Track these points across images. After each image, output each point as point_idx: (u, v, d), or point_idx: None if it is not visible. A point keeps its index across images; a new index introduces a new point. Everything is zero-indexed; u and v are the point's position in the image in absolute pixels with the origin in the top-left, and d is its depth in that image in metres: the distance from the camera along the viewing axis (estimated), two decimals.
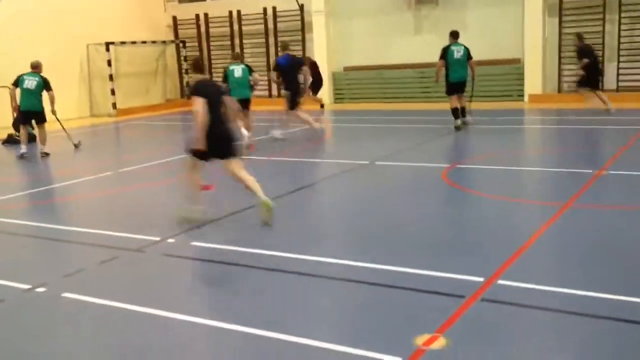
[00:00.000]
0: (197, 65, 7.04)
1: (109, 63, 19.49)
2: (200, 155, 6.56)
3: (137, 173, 10.13)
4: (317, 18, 19.71)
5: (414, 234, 6.21)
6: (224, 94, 6.91)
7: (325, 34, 19.69)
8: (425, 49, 18.14)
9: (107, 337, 4.25)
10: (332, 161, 10.61)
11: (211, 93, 6.60)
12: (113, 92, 19.60)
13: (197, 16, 21.79)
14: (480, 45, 17.57)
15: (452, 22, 16.79)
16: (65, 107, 14.97)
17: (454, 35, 12.83)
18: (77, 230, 6.79)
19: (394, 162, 9.90)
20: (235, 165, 6.70)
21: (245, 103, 11.46)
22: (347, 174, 9.24)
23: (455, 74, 12.61)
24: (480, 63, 17.62)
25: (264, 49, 21.03)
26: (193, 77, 7.18)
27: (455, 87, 12.70)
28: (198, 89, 6.55)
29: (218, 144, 6.53)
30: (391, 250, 5.64)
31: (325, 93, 19.07)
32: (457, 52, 12.62)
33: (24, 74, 11.93)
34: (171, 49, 22.31)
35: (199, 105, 6.37)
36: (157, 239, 6.24)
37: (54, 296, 4.91)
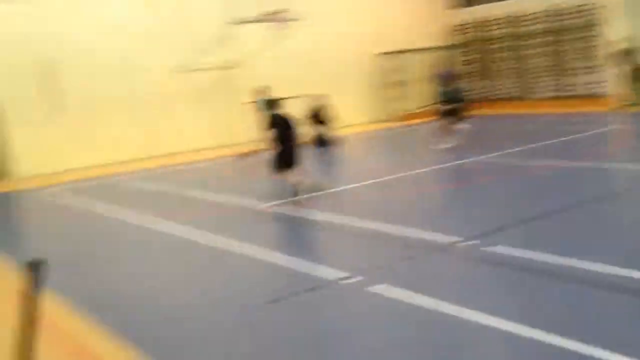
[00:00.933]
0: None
1: (393, 70, 20.44)
2: None
3: (428, 175, 10.45)
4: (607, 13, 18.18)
5: None
6: None
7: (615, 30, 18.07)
8: None
9: (413, 330, 4.48)
10: (629, 167, 9.70)
11: None
12: (398, 98, 20.56)
13: (478, 20, 21.69)
14: None
15: None
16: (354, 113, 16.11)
17: None
18: (378, 225, 7.25)
19: None
20: None
21: None
22: None
23: None
24: None
25: (547, 48, 20.09)
26: None
27: None
28: None
29: None
30: None
31: (617, 91, 17.50)
32: None
33: None
34: (451, 54, 22.54)
35: None
36: (460, 239, 6.37)
37: (363, 286, 5.32)
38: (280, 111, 9.25)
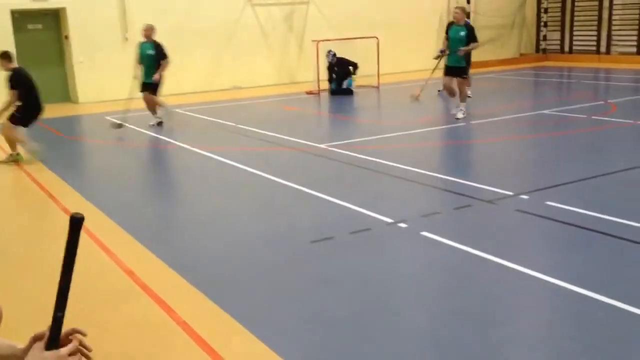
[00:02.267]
0: None
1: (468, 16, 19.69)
2: None
3: (490, 125, 10.19)
4: None
5: None
6: None
7: None
8: None
9: (454, 277, 4.48)
10: None
11: None
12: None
13: None
14: None
15: None
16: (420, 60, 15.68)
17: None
18: (431, 174, 7.17)
19: None
20: None
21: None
22: None
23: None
24: None
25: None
26: None
27: None
28: None
29: None
30: None
31: None
32: None
33: None
34: (531, 1, 21.52)
35: None
36: (511, 193, 6.24)
37: (413, 232, 5.32)
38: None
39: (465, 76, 10.73)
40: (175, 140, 10.00)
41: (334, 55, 15.06)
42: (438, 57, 11.99)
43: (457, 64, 10.55)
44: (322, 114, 13.26)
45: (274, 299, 4.26)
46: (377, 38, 15.74)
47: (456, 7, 11.40)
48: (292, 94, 15.28)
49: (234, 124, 11.17)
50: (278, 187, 7.02)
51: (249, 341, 3.64)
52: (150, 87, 11.05)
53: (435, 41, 19.94)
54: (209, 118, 12.10)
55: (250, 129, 10.69)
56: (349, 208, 6.04)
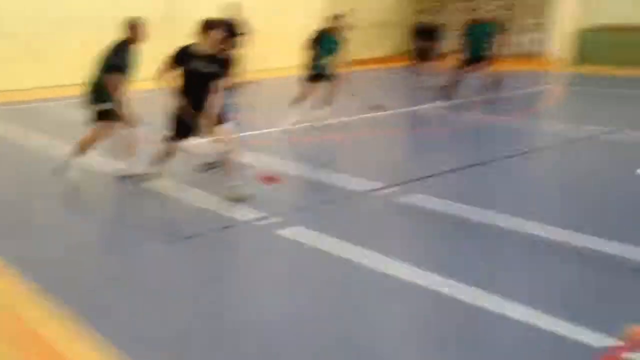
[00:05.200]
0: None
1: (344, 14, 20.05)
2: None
3: (359, 121, 10.47)
4: None
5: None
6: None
7: None
8: None
9: (323, 274, 4.57)
10: (556, 128, 9.94)
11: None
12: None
13: None
14: None
15: None
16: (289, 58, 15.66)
17: None
18: (300, 170, 7.28)
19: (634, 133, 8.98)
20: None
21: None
22: (574, 142, 8.61)
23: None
24: None
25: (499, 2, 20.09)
26: None
27: None
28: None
29: None
30: (614, 226, 5.23)
31: (563, 52, 17.77)
32: None
33: None
34: (408, 1, 22.30)
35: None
36: (381, 185, 6.46)
37: (280, 228, 5.35)
38: None
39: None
40: None
41: None
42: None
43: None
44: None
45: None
46: None
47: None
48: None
49: None
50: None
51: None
52: None
53: None
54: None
55: None
56: (211, 206, 6.01)
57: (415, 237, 5.37)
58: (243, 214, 5.71)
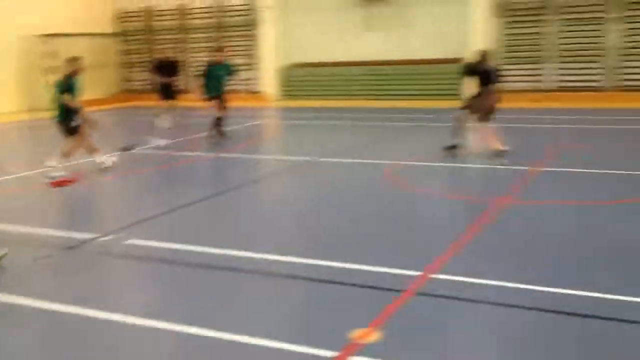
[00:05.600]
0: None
1: (49, 55, 18.88)
2: None
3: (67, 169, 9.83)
4: (267, 13, 19.64)
5: (349, 229, 6.22)
6: None
7: (275, 30, 19.63)
8: (374, 46, 18.36)
9: (39, 340, 4.11)
10: (274, 157, 10.56)
11: None
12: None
13: (144, 9, 21.40)
14: (426, 43, 17.94)
15: (401, 19, 17.02)
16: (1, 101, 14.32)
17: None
18: (6, 227, 6.53)
19: (337, 158, 9.92)
20: None
21: None
22: (289, 170, 9.21)
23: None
24: (423, 62, 18.06)
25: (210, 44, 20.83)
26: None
27: None
28: None
29: None
30: (326, 246, 5.65)
31: (272, 88, 19.08)
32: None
33: None
34: (114, 43, 21.81)
35: None
36: (91, 236, 6.05)
37: None
38: None
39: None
40: None
41: None
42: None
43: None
44: None
45: None
46: None
47: None
48: None
49: None
50: None
51: None
52: None
53: (14, 84, 18.63)
54: None
55: None
56: None
57: (131, 284, 5.15)
58: None
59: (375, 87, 18.71)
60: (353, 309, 4.29)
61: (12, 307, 4.48)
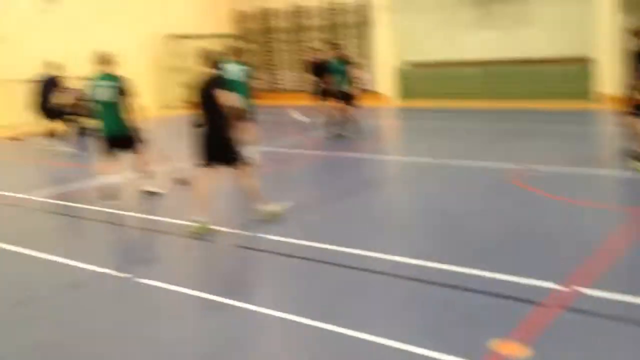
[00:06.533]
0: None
1: (180, 56, 19.94)
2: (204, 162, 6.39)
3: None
4: (381, 13, 19.64)
5: (482, 235, 6.13)
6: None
7: (390, 29, 19.59)
8: (491, 45, 17.90)
9: (181, 322, 4.38)
10: (395, 158, 10.55)
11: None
12: (181, 85, 20.00)
13: (264, 10, 22.06)
14: (547, 41, 17.25)
15: (520, 17, 16.48)
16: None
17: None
18: (151, 218, 6.98)
19: (458, 160, 9.77)
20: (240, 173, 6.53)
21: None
22: (412, 171, 9.18)
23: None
24: (545, 61, 17.34)
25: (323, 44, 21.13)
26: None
27: None
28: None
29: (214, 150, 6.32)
30: (459, 252, 5.59)
31: (388, 88, 19.07)
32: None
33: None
34: (234, 43, 22.56)
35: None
36: (228, 229, 6.35)
37: (131, 281, 5.07)
38: None
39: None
40: None
41: None
42: None
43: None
44: (33, 161, 12.10)
45: None
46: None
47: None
48: None
49: None
50: None
51: None
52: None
53: (146, 83, 19.76)
54: None
55: None
56: (57, 262, 5.55)
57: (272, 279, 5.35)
58: (94, 267, 5.33)
59: (492, 88, 18.23)
60: (491, 318, 4.23)
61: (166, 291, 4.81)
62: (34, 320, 4.48)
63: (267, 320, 4.32)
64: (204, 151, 6.24)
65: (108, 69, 7.65)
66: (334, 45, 12.77)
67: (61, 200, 8.05)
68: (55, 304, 4.74)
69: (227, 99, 6.06)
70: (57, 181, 9.63)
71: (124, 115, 7.57)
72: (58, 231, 7.06)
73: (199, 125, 6.23)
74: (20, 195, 8.25)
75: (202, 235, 6.14)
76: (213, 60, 6.23)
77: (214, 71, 6.22)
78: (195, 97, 6.19)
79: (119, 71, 7.76)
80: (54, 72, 12.10)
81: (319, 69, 12.95)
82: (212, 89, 6.07)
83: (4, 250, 6.03)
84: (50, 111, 12.01)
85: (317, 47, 14.07)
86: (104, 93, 7.54)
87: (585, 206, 7.06)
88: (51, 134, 12.34)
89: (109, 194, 7.59)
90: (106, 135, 7.65)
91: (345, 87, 12.06)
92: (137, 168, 8.01)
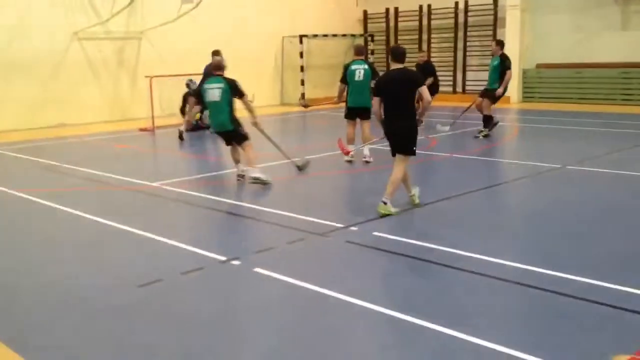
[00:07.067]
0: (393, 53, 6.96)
1: (301, 55, 20.39)
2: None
3: (319, 161, 10.49)
4: (511, 12, 18.98)
5: (608, 245, 5.76)
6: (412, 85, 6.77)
7: (518, 29, 18.89)
8: (630, 47, 16.78)
9: (288, 313, 4.48)
10: (519, 162, 10.17)
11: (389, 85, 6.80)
12: (303, 83, 20.50)
13: (387, 10, 22.01)
14: None
15: None
16: (260, 96, 15.72)
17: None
18: (268, 210, 7.21)
19: (588, 167, 9.25)
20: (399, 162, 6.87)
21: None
22: (536, 176, 8.80)
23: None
24: None
25: (452, 44, 20.73)
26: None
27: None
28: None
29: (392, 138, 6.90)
30: (583, 261, 5.29)
31: (514, 91, 18.38)
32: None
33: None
34: (360, 43, 22.76)
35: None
36: (341, 225, 6.44)
37: (246, 269, 5.27)
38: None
39: None
40: None
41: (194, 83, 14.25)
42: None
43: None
44: (158, 152, 12.90)
45: (102, 349, 3.98)
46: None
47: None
48: (124, 131, 14.74)
49: (59, 164, 10.51)
50: (107, 229, 6.66)
51: None
52: None
53: (270, 80, 20.43)
54: (32, 158, 11.28)
55: (78, 168, 10.11)
56: (180, 247, 5.87)
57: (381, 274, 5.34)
58: (213, 255, 5.59)
59: (631, 92, 17.11)
60: (614, 332, 3.98)
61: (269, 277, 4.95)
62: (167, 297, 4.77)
63: (361, 312, 4.33)
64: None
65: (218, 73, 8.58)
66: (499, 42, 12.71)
67: (185, 189, 8.50)
68: (177, 286, 5.01)
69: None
70: (184, 172, 10.16)
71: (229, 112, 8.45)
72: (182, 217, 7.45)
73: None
74: (154, 184, 8.79)
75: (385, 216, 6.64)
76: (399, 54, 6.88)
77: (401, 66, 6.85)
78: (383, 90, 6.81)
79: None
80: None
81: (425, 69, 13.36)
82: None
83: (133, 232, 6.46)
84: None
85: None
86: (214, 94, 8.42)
87: None
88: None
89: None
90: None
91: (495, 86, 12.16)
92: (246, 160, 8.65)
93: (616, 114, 15.61)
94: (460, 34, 20.52)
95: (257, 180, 8.35)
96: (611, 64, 17.48)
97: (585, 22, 17.88)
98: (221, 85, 8.35)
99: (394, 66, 6.90)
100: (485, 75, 13.03)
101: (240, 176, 8.84)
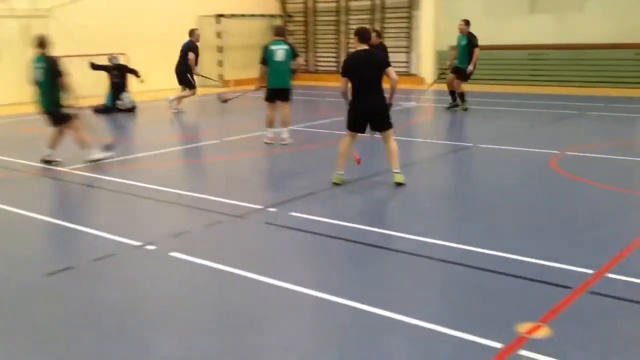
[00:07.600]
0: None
1: (219, 35, 20.01)
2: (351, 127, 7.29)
3: (238, 143, 10.37)
4: None
5: (518, 220, 6.01)
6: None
7: (433, 12, 19.27)
8: (538, 30, 17.45)
9: (205, 295, 4.42)
10: (433, 142, 10.42)
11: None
12: (221, 64, 20.15)
13: None
14: (597, 26, 16.74)
15: (572, 1, 15.96)
16: (174, 76, 15.29)
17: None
18: (184, 193, 7.06)
19: (499, 145, 9.59)
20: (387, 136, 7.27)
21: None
22: (450, 155, 9.05)
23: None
24: (594, 46, 16.79)
25: (370, 26, 20.92)
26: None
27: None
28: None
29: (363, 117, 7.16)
30: (495, 236, 5.49)
31: (428, 72, 18.77)
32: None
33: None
34: (278, 23, 22.58)
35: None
36: (260, 207, 6.39)
37: (162, 254, 5.14)
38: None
39: None
40: None
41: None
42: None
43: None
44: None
45: (9, 342, 3.78)
46: (125, 55, 15.19)
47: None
48: (34, 114, 14.01)
49: None
50: (11, 216, 6.33)
51: None
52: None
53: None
54: None
55: None
56: (91, 233, 5.66)
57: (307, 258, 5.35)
58: (126, 240, 5.41)
59: (539, 73, 17.83)
60: (521, 302, 4.15)
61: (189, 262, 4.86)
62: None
63: (282, 293, 4.32)
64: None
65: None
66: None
67: (94, 172, 8.18)
68: (88, 273, 4.82)
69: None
70: None
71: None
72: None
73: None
74: (64, 169, 8.41)
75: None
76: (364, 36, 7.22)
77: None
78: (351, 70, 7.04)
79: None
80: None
81: None
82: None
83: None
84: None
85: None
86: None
87: (626, 193, 6.85)
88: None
89: None
90: None
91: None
92: None
93: (526, 94, 16.24)
94: (378, 15, 20.71)
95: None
96: (520, 45, 18.12)
97: (496, 5, 18.44)
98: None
99: (360, 47, 7.15)
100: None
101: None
